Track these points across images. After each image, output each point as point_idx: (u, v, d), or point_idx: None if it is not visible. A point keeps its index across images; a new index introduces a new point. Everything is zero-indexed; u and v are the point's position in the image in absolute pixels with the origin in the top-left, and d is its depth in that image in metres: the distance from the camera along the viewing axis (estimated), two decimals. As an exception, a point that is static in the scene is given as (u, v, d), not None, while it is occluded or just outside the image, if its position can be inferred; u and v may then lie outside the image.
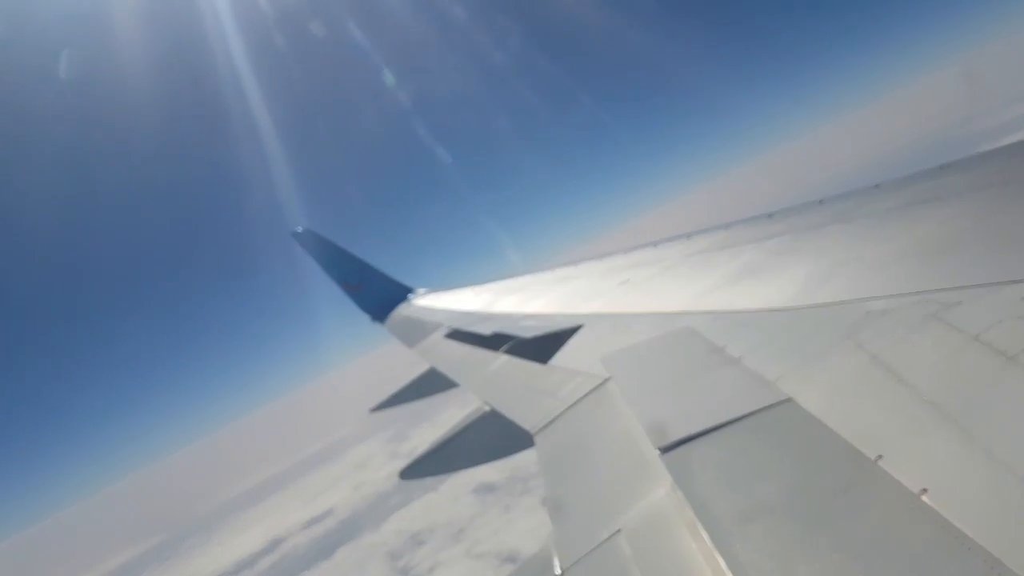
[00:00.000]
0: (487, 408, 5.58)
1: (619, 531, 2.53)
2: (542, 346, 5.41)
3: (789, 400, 2.56)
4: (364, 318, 16.63)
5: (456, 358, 7.86)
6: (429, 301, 15.03)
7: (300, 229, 17.41)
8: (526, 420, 4.23)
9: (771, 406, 2.58)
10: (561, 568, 2.64)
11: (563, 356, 5.03)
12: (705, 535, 2.08)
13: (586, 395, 3.96)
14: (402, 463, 6.92)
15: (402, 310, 15.37)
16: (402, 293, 17.01)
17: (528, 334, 6.00)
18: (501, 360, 6.06)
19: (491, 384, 5.75)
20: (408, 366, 11.00)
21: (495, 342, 6.59)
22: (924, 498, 1.76)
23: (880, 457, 1.99)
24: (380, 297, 16.71)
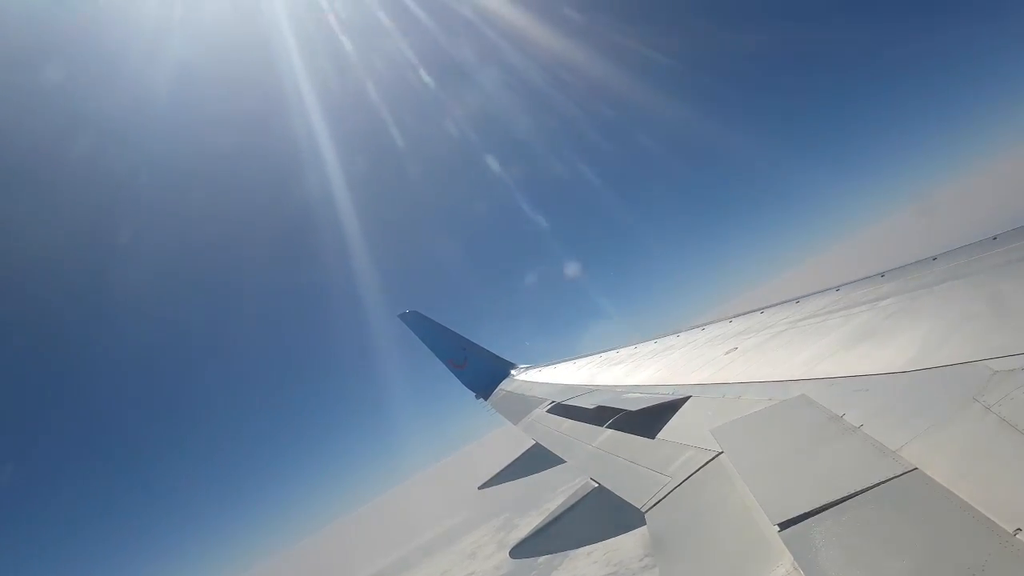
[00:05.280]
0: (594, 485, 5.49)
1: None
2: (648, 419, 5.32)
3: (915, 470, 2.44)
4: (470, 396, 16.98)
5: (560, 433, 7.81)
6: (531, 376, 15.13)
7: (407, 311, 18.24)
8: (636, 497, 4.12)
9: (896, 477, 2.46)
10: None
11: (671, 429, 4.91)
12: None
13: (698, 470, 3.84)
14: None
15: (505, 385, 15.55)
16: (505, 369, 17.27)
17: (633, 407, 5.90)
18: (606, 435, 5.98)
19: (597, 460, 5.65)
20: (517, 443, 10.99)
21: (599, 415, 6.52)
22: None
23: (1019, 531, 1.87)
24: (484, 374, 17.05)
